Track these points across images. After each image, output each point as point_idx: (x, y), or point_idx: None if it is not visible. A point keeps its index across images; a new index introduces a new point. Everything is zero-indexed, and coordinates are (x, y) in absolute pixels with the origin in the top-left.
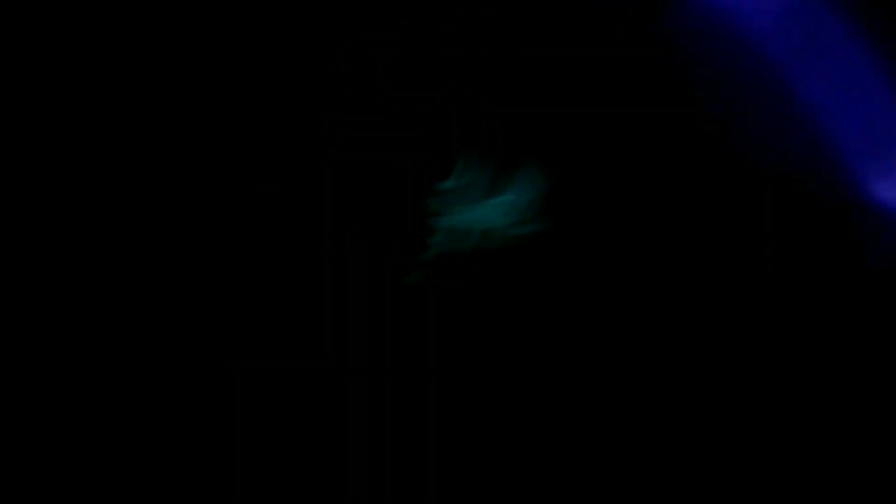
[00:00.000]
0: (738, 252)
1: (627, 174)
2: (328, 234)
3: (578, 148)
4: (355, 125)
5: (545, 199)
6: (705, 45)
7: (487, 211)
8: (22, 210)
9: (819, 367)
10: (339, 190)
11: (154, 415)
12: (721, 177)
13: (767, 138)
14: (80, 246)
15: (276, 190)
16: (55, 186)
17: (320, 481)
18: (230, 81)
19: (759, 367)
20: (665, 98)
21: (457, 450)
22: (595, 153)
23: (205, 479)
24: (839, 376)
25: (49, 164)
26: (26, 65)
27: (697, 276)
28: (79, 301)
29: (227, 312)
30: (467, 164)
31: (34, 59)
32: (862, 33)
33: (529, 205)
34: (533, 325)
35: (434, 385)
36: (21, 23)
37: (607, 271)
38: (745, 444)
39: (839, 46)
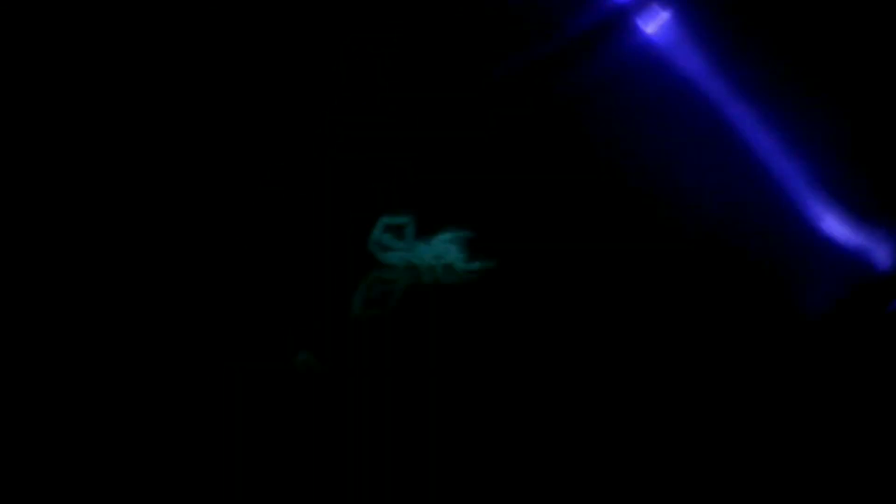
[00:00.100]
0: (664, 302)
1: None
2: (328, 234)
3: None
4: (355, 125)
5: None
6: (627, 97)
7: (443, 245)
8: (22, 210)
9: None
10: (339, 190)
11: (154, 415)
12: (650, 223)
13: (701, 185)
14: (80, 245)
15: (275, 190)
16: (55, 186)
17: (320, 481)
18: (230, 81)
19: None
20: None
21: (457, 450)
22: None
23: (205, 479)
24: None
25: (49, 164)
26: (26, 65)
27: (632, 326)
28: (78, 301)
29: (226, 312)
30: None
31: (34, 59)
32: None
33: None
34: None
35: (434, 385)
36: (21, 23)
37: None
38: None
39: (773, 89)
